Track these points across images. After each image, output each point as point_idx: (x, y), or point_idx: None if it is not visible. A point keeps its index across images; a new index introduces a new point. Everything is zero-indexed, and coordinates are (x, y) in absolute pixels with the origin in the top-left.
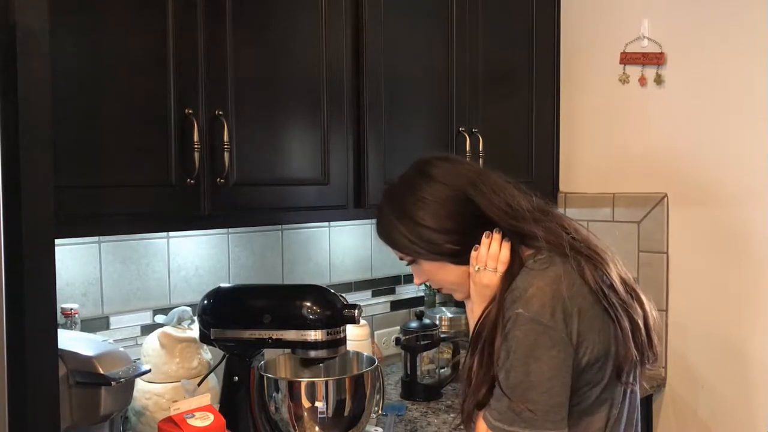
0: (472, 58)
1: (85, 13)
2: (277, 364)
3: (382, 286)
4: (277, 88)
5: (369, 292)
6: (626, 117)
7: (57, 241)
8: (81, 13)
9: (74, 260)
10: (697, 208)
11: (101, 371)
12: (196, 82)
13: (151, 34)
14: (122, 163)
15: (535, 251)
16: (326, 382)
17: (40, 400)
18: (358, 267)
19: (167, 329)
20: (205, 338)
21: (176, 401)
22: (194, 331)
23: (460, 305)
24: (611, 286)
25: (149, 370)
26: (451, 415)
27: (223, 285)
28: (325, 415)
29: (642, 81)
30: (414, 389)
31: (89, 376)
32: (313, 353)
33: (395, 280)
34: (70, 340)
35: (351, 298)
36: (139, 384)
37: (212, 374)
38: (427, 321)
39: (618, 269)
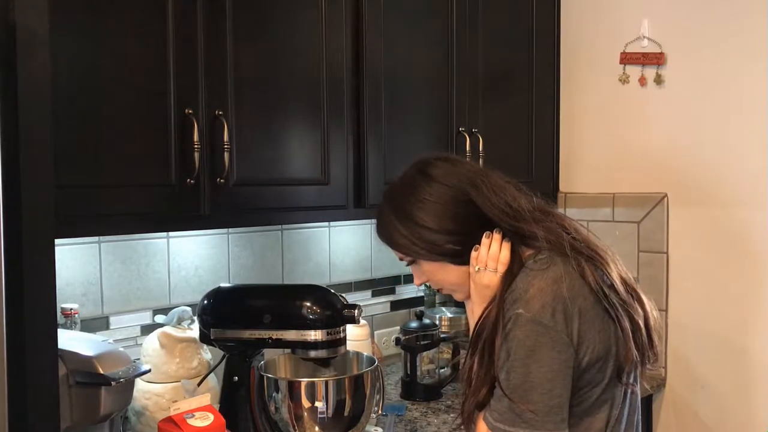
0: (472, 58)
1: (85, 13)
2: (277, 364)
3: (382, 286)
4: (277, 88)
5: (369, 292)
6: (626, 117)
7: (57, 241)
8: (81, 13)
9: (74, 260)
10: (697, 208)
11: (101, 371)
12: (196, 82)
13: (151, 34)
14: (122, 163)
15: (535, 251)
16: (326, 382)
17: (40, 400)
18: (358, 267)
19: (167, 329)
20: (205, 338)
21: (176, 401)
22: (194, 331)
23: (460, 305)
24: (612, 287)
25: (149, 370)
26: (451, 415)
27: (223, 285)
28: (325, 415)
29: (642, 81)
30: (414, 389)
31: (89, 376)
32: (313, 353)
33: (395, 280)
34: (70, 340)
35: (351, 298)
36: (139, 384)
37: (212, 374)
38: (427, 321)
39: (618, 269)
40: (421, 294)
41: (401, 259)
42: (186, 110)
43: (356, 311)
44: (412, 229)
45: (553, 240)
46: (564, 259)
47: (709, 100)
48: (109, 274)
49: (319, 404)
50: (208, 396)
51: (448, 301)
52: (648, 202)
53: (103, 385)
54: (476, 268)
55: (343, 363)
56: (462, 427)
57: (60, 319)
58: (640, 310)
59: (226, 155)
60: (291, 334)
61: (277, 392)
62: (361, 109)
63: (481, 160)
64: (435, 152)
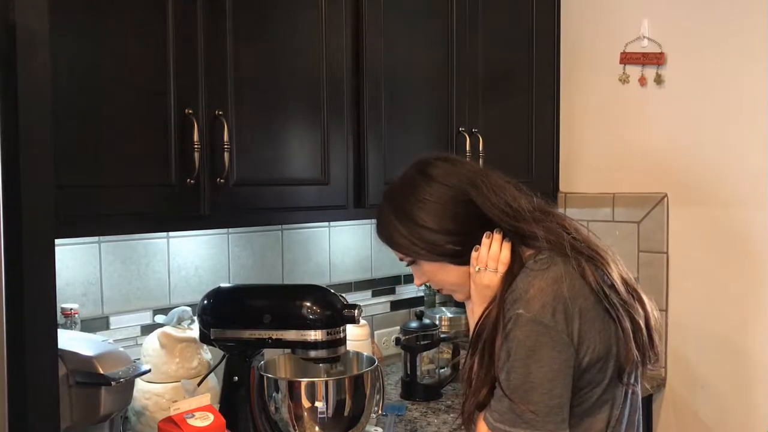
0: (472, 58)
1: (85, 13)
2: (277, 364)
3: (382, 286)
4: (277, 88)
5: (369, 292)
6: (626, 117)
7: (57, 241)
8: (81, 13)
9: (74, 260)
10: (697, 208)
11: (101, 371)
12: (196, 82)
13: (151, 34)
14: (122, 163)
15: (535, 251)
16: (326, 382)
17: (40, 400)
18: (358, 267)
19: (167, 329)
20: (205, 338)
21: (176, 401)
22: (194, 331)
23: (460, 305)
24: (612, 287)
25: (149, 370)
26: (451, 415)
27: (223, 285)
28: (325, 415)
29: (642, 81)
30: (414, 389)
31: (89, 376)
32: (313, 353)
33: (395, 280)
34: (70, 340)
35: (351, 298)
36: (139, 384)
37: (212, 374)
38: (427, 321)
39: (619, 269)
40: (421, 294)
41: (401, 260)
42: (186, 110)
43: (356, 311)
44: (412, 229)
45: (553, 240)
46: (564, 259)
47: (709, 100)
48: (109, 274)
49: (319, 404)
50: (208, 396)
51: (448, 301)
52: (648, 202)
53: (103, 385)
54: (476, 269)
55: (343, 363)
56: (462, 427)
57: (60, 319)
58: (640, 310)
59: (226, 155)
60: (291, 334)
61: (277, 392)
62: (361, 109)
63: (481, 160)
64: (435, 152)
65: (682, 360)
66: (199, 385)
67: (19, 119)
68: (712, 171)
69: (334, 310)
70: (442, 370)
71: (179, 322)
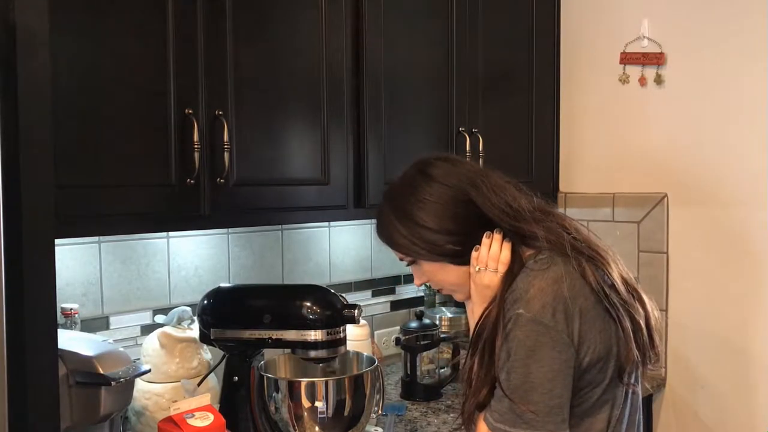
0: (472, 58)
1: (85, 13)
2: (277, 364)
3: (382, 286)
4: (277, 88)
5: (369, 292)
6: (626, 117)
7: (57, 241)
8: (81, 13)
9: (74, 260)
10: (697, 208)
11: (101, 371)
12: (196, 82)
13: (151, 34)
14: (122, 163)
15: (535, 251)
16: (326, 382)
17: (40, 400)
18: (358, 267)
19: (167, 329)
20: (205, 338)
21: (176, 401)
22: (194, 331)
23: (460, 305)
24: (613, 286)
25: (149, 370)
26: (451, 415)
27: (223, 285)
28: (325, 415)
29: (642, 81)
30: (414, 389)
31: (89, 376)
32: (313, 353)
33: (395, 280)
34: (70, 340)
35: (351, 298)
36: (139, 384)
37: (212, 374)
38: (427, 321)
39: (619, 269)
40: (421, 294)
41: (401, 260)
42: (186, 110)
43: (356, 311)
44: (412, 229)
45: (553, 240)
46: (565, 259)
47: (709, 100)
48: (109, 274)
49: (319, 404)
50: (208, 396)
51: (448, 301)
52: (648, 202)
53: (103, 385)
54: (476, 269)
55: (343, 363)
56: (462, 427)
57: (60, 319)
58: (641, 310)
59: (226, 155)
60: (291, 334)
61: (277, 392)
62: (361, 109)
63: (481, 160)
64: (435, 152)
65: (682, 360)
66: (199, 385)
67: (19, 119)
68: (712, 171)
69: (334, 310)
70: (442, 370)
71: (179, 322)
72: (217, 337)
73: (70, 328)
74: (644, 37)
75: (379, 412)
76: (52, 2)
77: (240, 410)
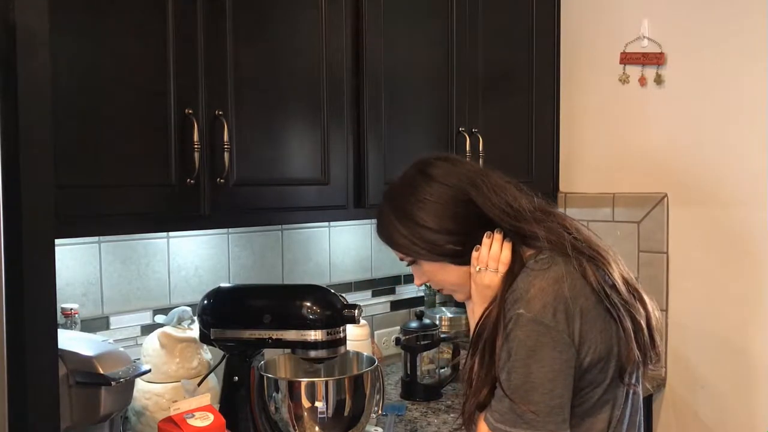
0: (472, 58)
1: (85, 13)
2: (277, 364)
3: (382, 286)
4: (277, 88)
5: (369, 292)
6: (626, 117)
7: (57, 241)
8: (81, 13)
9: (74, 260)
10: (697, 208)
11: (101, 371)
12: (196, 82)
13: (151, 34)
14: (122, 163)
15: (536, 251)
16: (326, 382)
17: (40, 400)
18: (358, 267)
19: (167, 329)
20: (205, 338)
21: (176, 401)
22: (194, 331)
23: (460, 305)
24: (613, 287)
25: (149, 370)
26: (452, 415)
27: (223, 285)
28: (325, 415)
29: (642, 81)
30: (414, 389)
31: (89, 376)
32: (313, 353)
33: (395, 280)
34: (70, 340)
35: (351, 298)
36: (139, 384)
37: (212, 374)
38: (427, 321)
39: (620, 269)
40: (421, 294)
41: (402, 260)
42: (186, 110)
43: (356, 311)
44: (412, 229)
45: (554, 240)
46: (565, 259)
47: (709, 100)
48: (109, 274)
49: (319, 404)
50: (208, 396)
51: (448, 301)
52: (648, 202)
53: (103, 385)
54: (477, 268)
55: (343, 363)
56: (462, 427)
57: (60, 319)
58: (642, 310)
59: (226, 155)
60: (291, 334)
61: (277, 392)
62: (361, 109)
63: (481, 160)
64: (435, 152)
65: (682, 360)
66: (199, 385)
67: (19, 119)
68: (712, 171)
69: (334, 310)
70: (442, 370)
71: (179, 322)
72: (217, 337)
73: (70, 328)
74: (644, 37)
75: (379, 412)
76: (52, 2)
77: (240, 410)
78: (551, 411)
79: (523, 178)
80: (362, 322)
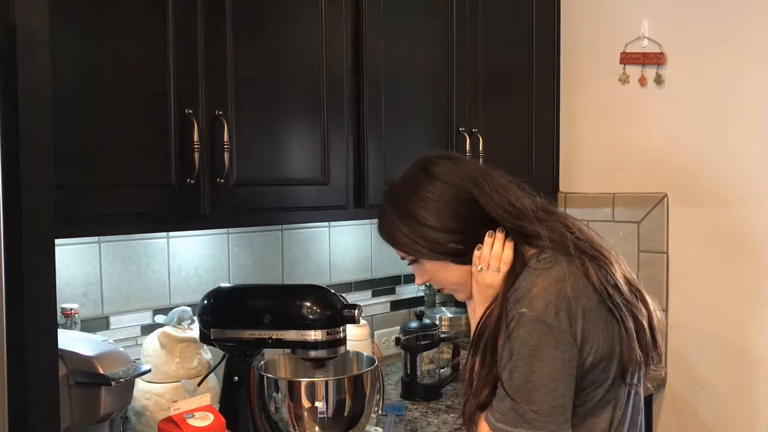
0: (472, 58)
1: (85, 13)
2: (277, 364)
3: (382, 286)
4: (277, 88)
5: (369, 292)
6: (626, 117)
7: (57, 241)
8: (81, 13)
9: (74, 260)
10: (697, 208)
11: (101, 371)
12: (196, 82)
13: (151, 34)
14: (122, 163)
15: (538, 251)
16: (326, 382)
17: (40, 400)
18: (358, 267)
19: (167, 329)
20: (205, 338)
21: (176, 401)
22: (194, 331)
23: (460, 305)
24: (616, 286)
25: (149, 370)
26: (452, 415)
27: (223, 285)
28: (325, 415)
29: (642, 81)
30: (414, 389)
31: (89, 376)
32: (313, 353)
33: (395, 280)
34: (70, 340)
35: (351, 298)
36: (139, 384)
37: (212, 374)
38: (427, 321)
39: (622, 269)
40: (421, 294)
41: (403, 258)
42: (186, 110)
43: (356, 311)
44: (414, 228)
45: (556, 239)
46: (568, 259)
47: (709, 100)
48: (109, 274)
49: (319, 404)
50: (208, 396)
51: (449, 301)
52: (648, 202)
53: (103, 385)
54: (479, 268)
55: (343, 363)
56: (463, 427)
57: (60, 319)
58: (644, 310)
59: (226, 155)
60: (291, 334)
61: (277, 392)
62: (361, 109)
63: (481, 160)
64: (437, 151)
65: (682, 360)
66: (199, 385)
67: (19, 119)
68: (712, 171)
69: (334, 310)
70: (442, 370)
71: (179, 322)
72: (217, 337)
73: (70, 328)
74: (644, 37)
75: (379, 412)
76: (52, 2)
77: (240, 410)
78: (553, 411)
79: (523, 178)
80: (362, 322)
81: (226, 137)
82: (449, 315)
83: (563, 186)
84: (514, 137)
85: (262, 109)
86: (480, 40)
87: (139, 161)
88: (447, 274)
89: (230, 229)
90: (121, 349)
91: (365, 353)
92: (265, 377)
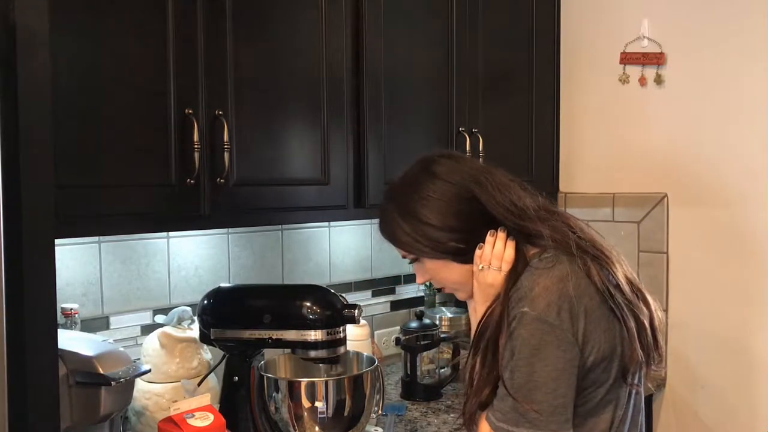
0: (472, 58)
1: (85, 13)
2: (277, 364)
3: (382, 286)
4: (277, 88)
5: (369, 292)
6: (626, 117)
7: (57, 241)
8: (81, 13)
9: (74, 260)
10: (697, 208)
11: (101, 371)
12: (196, 82)
13: (151, 34)
14: (122, 163)
15: (540, 250)
16: (326, 382)
17: (40, 400)
18: (358, 267)
19: (167, 329)
20: (205, 338)
21: (176, 401)
22: (194, 331)
23: (460, 305)
24: (617, 286)
25: (149, 370)
26: (452, 415)
27: (223, 285)
28: (325, 415)
29: (642, 81)
30: (414, 389)
31: (89, 376)
32: (313, 353)
33: (395, 280)
34: (70, 340)
35: (351, 298)
36: (139, 384)
37: (212, 374)
38: (427, 321)
39: (624, 269)
40: (421, 294)
41: (404, 257)
42: (186, 110)
43: (356, 311)
44: (415, 227)
45: (559, 239)
46: (570, 258)
47: (709, 100)
48: (109, 274)
49: (319, 404)
50: (208, 396)
51: (449, 301)
52: (648, 202)
53: (103, 385)
54: (480, 267)
55: (343, 363)
56: (463, 427)
57: (60, 319)
58: (645, 310)
59: (226, 155)
60: (291, 334)
61: (277, 392)
62: (361, 109)
63: (481, 160)
64: (439, 149)
65: (683, 360)
66: (199, 385)
67: (19, 119)
68: (712, 171)
69: (334, 310)
70: (442, 370)
71: (179, 322)
72: (217, 337)
73: (70, 328)
74: (644, 37)
75: (379, 412)
76: (52, 2)
77: (240, 410)
78: (554, 410)
79: (524, 178)
80: (362, 322)
81: (226, 137)
82: (449, 315)
83: (563, 186)
84: (514, 137)
85: (262, 109)
86: (480, 40)
87: (139, 161)
88: (448, 273)
89: (230, 229)
90: (121, 349)
91: (365, 353)
92: (265, 377)
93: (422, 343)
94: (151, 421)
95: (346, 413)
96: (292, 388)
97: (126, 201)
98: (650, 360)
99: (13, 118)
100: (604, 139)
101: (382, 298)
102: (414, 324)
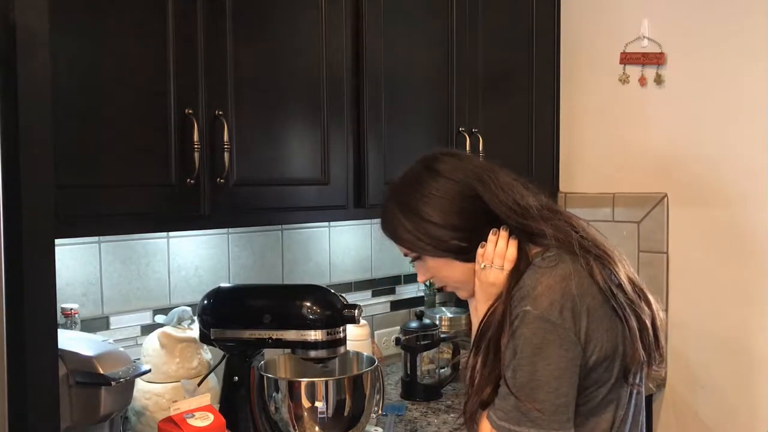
0: (472, 58)
1: (85, 13)
2: (277, 364)
3: (382, 286)
4: (277, 88)
5: (369, 292)
6: (626, 117)
7: (57, 241)
8: (81, 13)
9: (74, 260)
10: (697, 208)
11: (101, 371)
12: (196, 82)
13: (151, 34)
14: (122, 163)
15: (542, 249)
16: (326, 382)
17: (40, 400)
18: (358, 267)
19: (167, 329)
20: (205, 338)
21: (176, 401)
22: (194, 331)
23: (460, 305)
24: (620, 286)
25: (149, 370)
26: (452, 415)
27: (223, 285)
28: (325, 415)
29: (642, 81)
30: (414, 389)
31: (89, 376)
32: (313, 353)
33: (395, 280)
34: (70, 340)
35: (351, 298)
36: (139, 384)
37: (212, 374)
38: (427, 321)
39: (626, 269)
40: (421, 294)
41: (406, 255)
42: (186, 110)
43: (356, 311)
44: (417, 224)
45: (561, 238)
46: (573, 257)
47: (709, 100)
48: (109, 274)
49: (319, 404)
50: (208, 396)
51: (449, 301)
52: (648, 202)
53: (103, 385)
54: (482, 265)
55: (343, 363)
56: (464, 426)
57: (60, 319)
58: (647, 310)
59: (226, 155)
60: (291, 334)
61: (277, 392)
62: (361, 109)
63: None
64: (441, 148)
65: (683, 360)
66: (199, 385)
67: (19, 119)
68: (712, 171)
69: (334, 310)
70: (443, 370)
71: (179, 322)
72: (217, 337)
73: (70, 328)
74: (644, 37)
75: (379, 412)
76: (52, 2)
77: (240, 410)
78: (556, 409)
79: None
80: (362, 322)
81: (226, 137)
82: (449, 315)
83: (563, 186)
84: (514, 137)
85: (262, 109)
86: (480, 40)
87: (139, 161)
88: (450, 271)
89: (230, 229)
90: (121, 349)
91: (365, 353)
92: (265, 377)
93: (422, 343)
94: (151, 421)
95: (346, 413)
96: (292, 388)
97: (126, 201)
98: (652, 360)
99: (13, 118)
100: (604, 139)
101: (382, 298)
102: (414, 324)
